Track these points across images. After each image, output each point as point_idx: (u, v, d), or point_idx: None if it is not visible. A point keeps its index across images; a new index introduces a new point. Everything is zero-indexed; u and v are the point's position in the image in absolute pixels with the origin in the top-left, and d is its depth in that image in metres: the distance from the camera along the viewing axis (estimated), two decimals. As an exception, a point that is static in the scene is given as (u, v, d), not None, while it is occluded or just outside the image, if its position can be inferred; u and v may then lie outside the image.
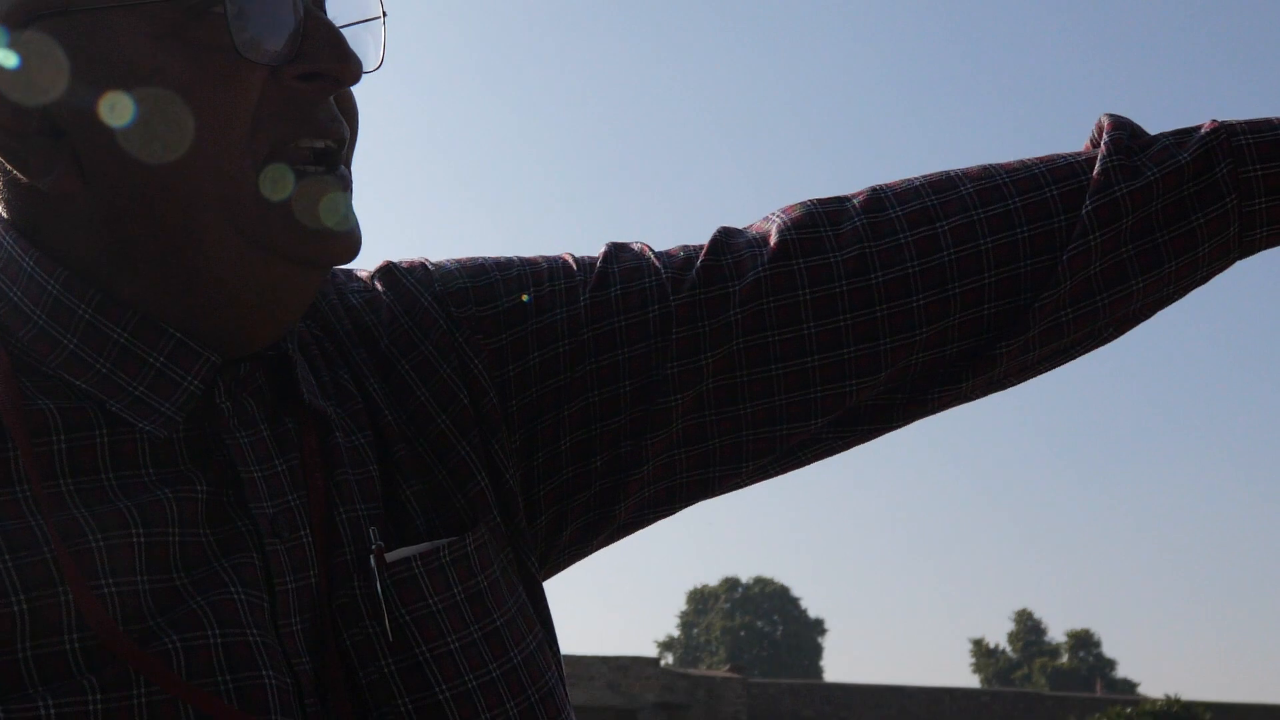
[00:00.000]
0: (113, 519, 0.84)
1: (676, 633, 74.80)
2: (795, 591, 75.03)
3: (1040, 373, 1.11)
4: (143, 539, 0.84)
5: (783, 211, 1.08)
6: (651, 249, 1.08)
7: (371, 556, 0.91)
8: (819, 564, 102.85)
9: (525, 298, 1.02)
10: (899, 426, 1.10)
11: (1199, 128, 1.06)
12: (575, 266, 1.07)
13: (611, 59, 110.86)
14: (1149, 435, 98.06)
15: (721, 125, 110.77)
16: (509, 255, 1.08)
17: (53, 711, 0.78)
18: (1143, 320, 1.09)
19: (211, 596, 0.85)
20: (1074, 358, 1.10)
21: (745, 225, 1.09)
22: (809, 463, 1.12)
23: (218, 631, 0.84)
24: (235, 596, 0.85)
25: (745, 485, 1.11)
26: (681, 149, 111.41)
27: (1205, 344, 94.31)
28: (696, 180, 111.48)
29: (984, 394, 1.10)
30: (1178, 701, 28.30)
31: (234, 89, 0.84)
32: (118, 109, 0.85)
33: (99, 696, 0.80)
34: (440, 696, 0.90)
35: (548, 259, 1.08)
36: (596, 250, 1.09)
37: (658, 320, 1.03)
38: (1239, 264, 1.07)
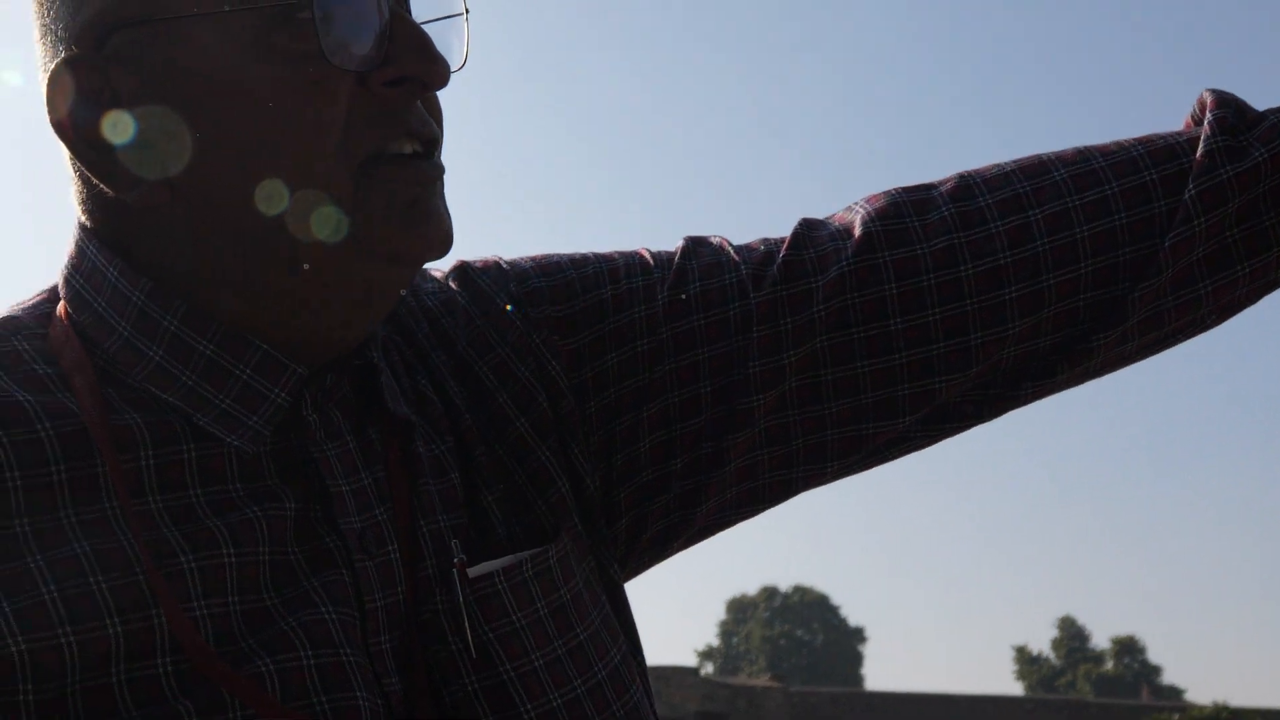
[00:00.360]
0: (204, 539, 0.82)
1: (716, 642, 74.63)
2: (835, 600, 74.73)
3: (1138, 360, 1.07)
4: (234, 559, 0.83)
5: (866, 201, 1.05)
6: (731, 243, 1.06)
7: (454, 571, 0.89)
8: (858, 572, 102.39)
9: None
10: (989, 420, 1.07)
11: None
12: (652, 262, 1.04)
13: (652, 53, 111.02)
14: (1193, 437, 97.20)
15: (771, 122, 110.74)
16: (584, 252, 1.06)
17: None
18: (1247, 306, 1.06)
19: (303, 616, 0.83)
20: (1174, 345, 1.07)
21: (827, 216, 1.06)
22: (895, 459, 1.09)
23: (310, 653, 0.82)
24: (326, 616, 0.84)
25: (829, 482, 1.08)
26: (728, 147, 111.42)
27: (1248, 342, 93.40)
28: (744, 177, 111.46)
29: (1078, 384, 1.07)
30: (1226, 708, 28.00)
31: (323, 98, 0.82)
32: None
33: None
34: (525, 716, 0.88)
35: (624, 254, 1.05)
36: (673, 245, 1.06)
37: (738, 318, 1.01)
38: None
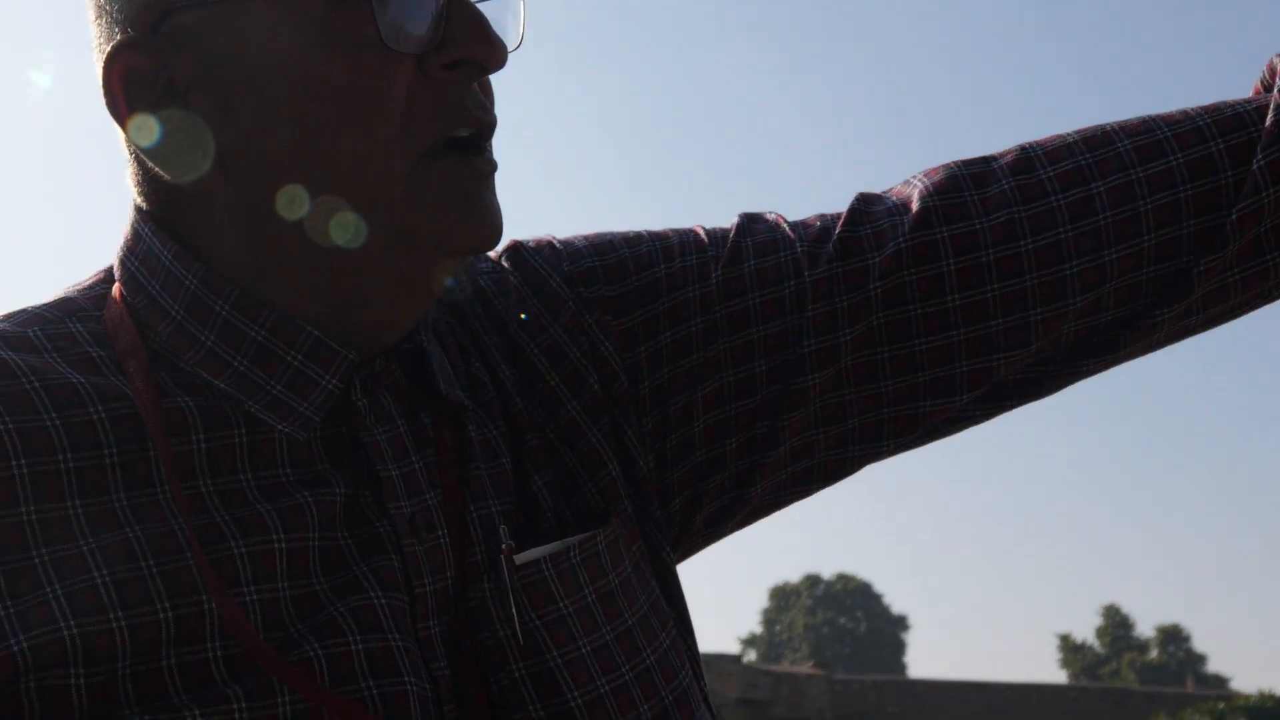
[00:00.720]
0: (254, 524, 0.82)
1: (759, 629, 74.67)
2: (878, 588, 74.71)
3: (1203, 331, 1.05)
4: (284, 545, 0.82)
5: (925, 175, 1.03)
6: (786, 220, 1.04)
7: (502, 558, 0.89)
8: (902, 560, 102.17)
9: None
10: (1048, 396, 1.05)
11: None
12: (707, 240, 1.03)
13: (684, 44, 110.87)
14: (1238, 423, 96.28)
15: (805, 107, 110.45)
16: (638, 230, 1.04)
17: None
18: None
19: (352, 603, 0.83)
20: (1240, 316, 1.05)
21: (885, 190, 1.04)
22: (952, 434, 1.07)
23: (359, 638, 0.82)
24: (375, 601, 0.83)
25: (885, 459, 1.07)
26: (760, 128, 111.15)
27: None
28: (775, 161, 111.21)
29: (1140, 356, 1.04)
30: (1272, 696, 27.77)
31: (381, 82, 0.81)
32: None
33: (243, 705, 0.78)
34: (572, 703, 0.87)
35: (678, 232, 1.04)
36: (728, 222, 1.05)
37: (794, 296, 0.99)
38: None
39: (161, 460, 0.82)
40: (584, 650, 0.88)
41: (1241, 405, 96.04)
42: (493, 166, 0.86)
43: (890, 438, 1.03)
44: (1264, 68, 1.03)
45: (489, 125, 0.86)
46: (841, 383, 1.00)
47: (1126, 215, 0.97)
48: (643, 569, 0.96)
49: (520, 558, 0.89)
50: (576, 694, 0.87)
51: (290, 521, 0.83)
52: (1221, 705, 28.15)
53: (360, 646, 0.82)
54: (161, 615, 0.78)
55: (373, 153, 0.81)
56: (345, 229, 0.83)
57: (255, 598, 0.81)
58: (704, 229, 1.04)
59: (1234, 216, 0.97)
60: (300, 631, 0.82)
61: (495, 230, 0.85)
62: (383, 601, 0.84)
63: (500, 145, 0.88)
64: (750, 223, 1.04)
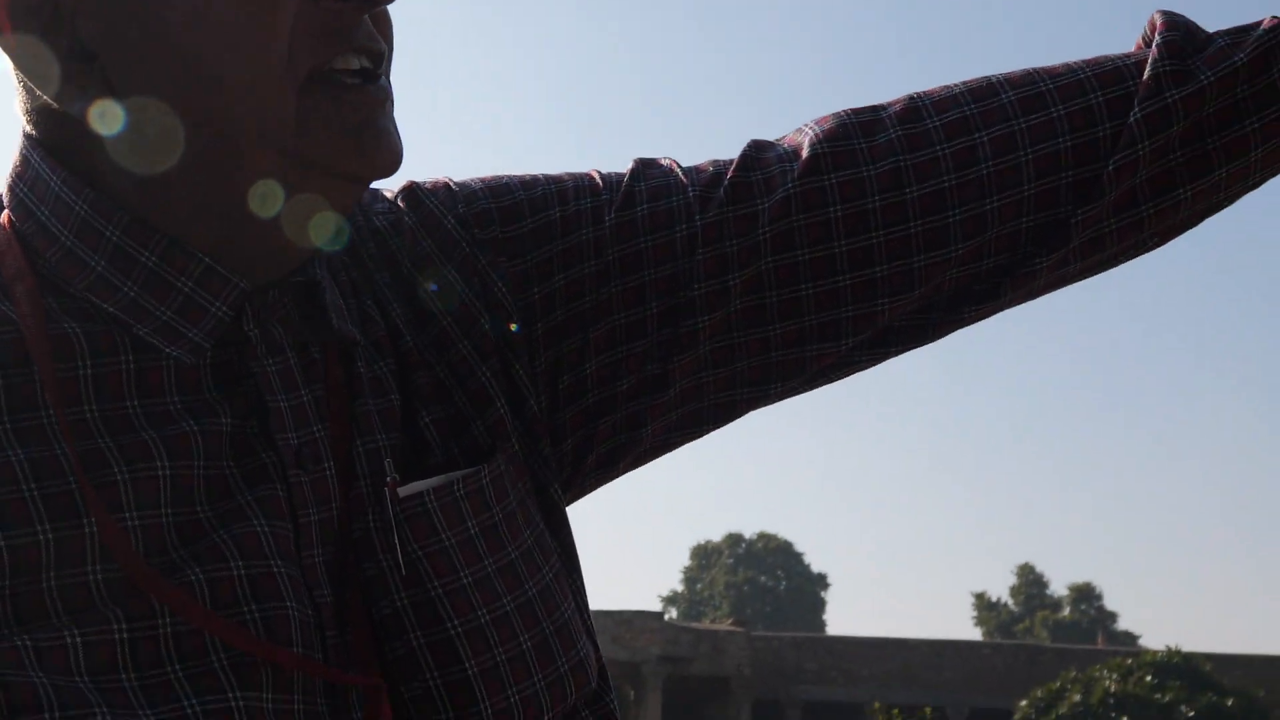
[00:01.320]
0: (138, 450, 0.83)
1: (680, 588, 75.19)
2: (798, 547, 75.31)
3: (1080, 280, 1.08)
4: (168, 472, 0.83)
5: (816, 123, 1.05)
6: (680, 165, 1.06)
7: (386, 490, 0.90)
8: (822, 520, 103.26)
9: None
10: (933, 342, 1.08)
11: (1258, 24, 1.02)
12: (601, 184, 1.04)
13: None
14: (1153, 384, 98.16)
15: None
16: (534, 174, 1.05)
17: (79, 641, 0.78)
18: (1189, 229, 1.06)
19: (235, 530, 0.84)
20: (1115, 266, 1.08)
21: (778, 138, 1.06)
22: (838, 380, 1.10)
23: (241, 564, 0.83)
24: (259, 529, 0.84)
25: (772, 404, 1.09)
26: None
27: (1209, 288, 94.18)
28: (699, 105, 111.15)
29: (1020, 303, 1.07)
30: (1178, 653, 28.39)
31: (267, 11, 0.81)
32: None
33: (124, 627, 0.79)
34: (452, 631, 0.88)
35: (574, 176, 1.05)
36: (625, 167, 1.06)
37: (684, 240, 1.01)
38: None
39: (45, 385, 0.82)
40: (465, 581, 0.90)
41: (1152, 368, 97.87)
42: (385, 94, 0.87)
43: (777, 381, 1.05)
44: (1146, 24, 1.05)
45: (378, 54, 0.86)
46: (730, 326, 1.02)
47: (1008, 165, 1.00)
48: (528, 505, 0.97)
49: (404, 490, 0.90)
50: (457, 623, 0.89)
51: (176, 449, 0.84)
52: (1130, 661, 28.70)
53: (243, 572, 0.83)
54: (42, 537, 0.78)
55: (258, 82, 0.82)
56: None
57: (137, 523, 0.81)
58: (599, 173, 1.06)
59: (1110, 168, 0.99)
60: (183, 557, 0.82)
61: (394, 156, 0.86)
62: (266, 530, 0.85)
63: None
64: (644, 168, 1.05)
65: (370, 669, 0.87)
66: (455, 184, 1.04)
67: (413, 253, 1.00)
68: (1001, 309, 1.06)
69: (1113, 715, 27.31)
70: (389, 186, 1.04)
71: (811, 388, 1.09)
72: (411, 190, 1.03)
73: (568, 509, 1.03)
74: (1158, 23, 1.04)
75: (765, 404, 1.08)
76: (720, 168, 1.04)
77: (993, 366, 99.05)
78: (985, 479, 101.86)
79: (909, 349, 1.08)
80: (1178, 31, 1.02)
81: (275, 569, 0.84)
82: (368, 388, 0.93)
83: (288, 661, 0.82)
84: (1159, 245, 1.07)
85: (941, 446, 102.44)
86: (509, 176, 1.05)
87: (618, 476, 1.09)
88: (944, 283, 1.02)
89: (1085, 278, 1.08)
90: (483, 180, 1.04)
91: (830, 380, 1.09)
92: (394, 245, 1.00)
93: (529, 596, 0.92)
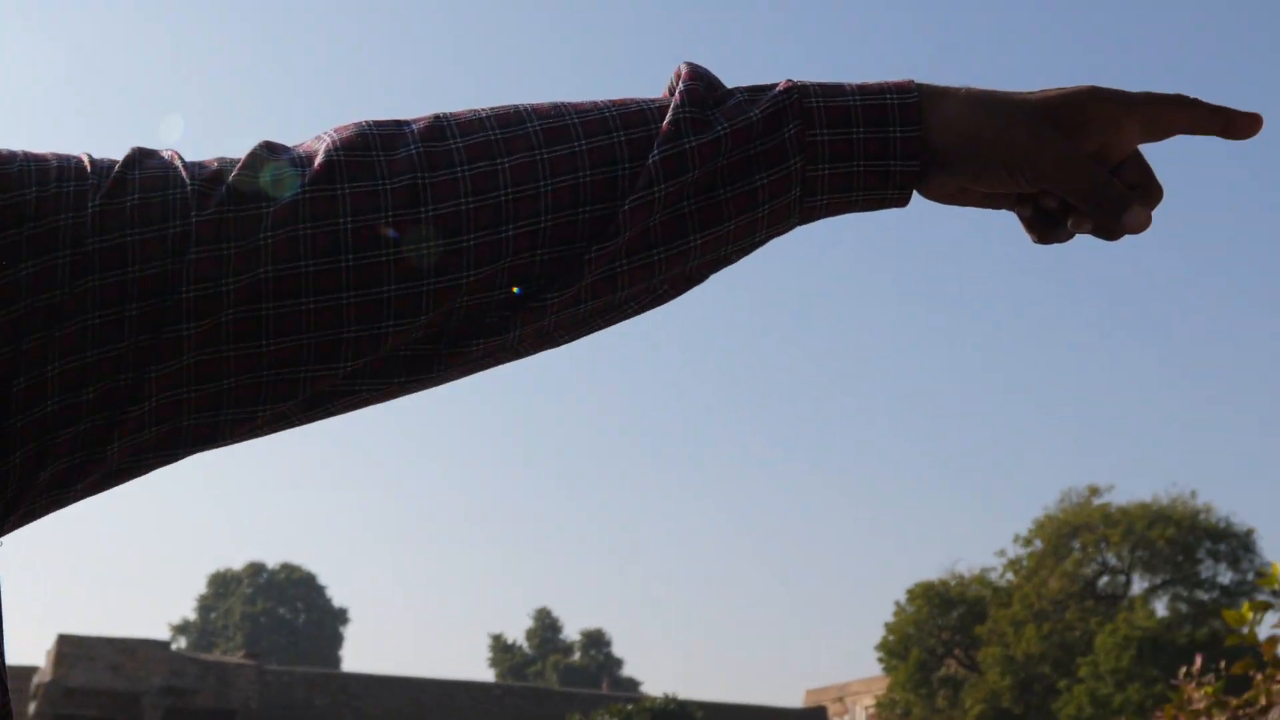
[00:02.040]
0: None
1: (193, 616, 72.05)
2: (322, 579, 73.94)
3: (596, 328, 1.07)
4: None
5: (335, 130, 0.99)
6: (183, 158, 0.97)
7: None
8: (349, 553, 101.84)
9: None
10: (440, 380, 1.03)
11: (775, 85, 1.04)
12: (90, 168, 0.94)
13: None
14: (672, 446, 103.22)
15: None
16: (13, 149, 0.93)
17: None
18: (699, 281, 1.07)
19: None
20: (630, 315, 1.07)
21: (295, 144, 0.99)
22: (338, 413, 1.03)
23: None
24: None
25: (261, 434, 1.01)
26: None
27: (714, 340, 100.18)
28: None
29: (535, 349, 1.05)
30: (674, 700, 29.91)
31: None
32: None
33: None
34: None
35: (60, 157, 0.95)
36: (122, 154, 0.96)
37: (177, 238, 0.92)
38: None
39: None
40: None
41: (659, 419, 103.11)
42: None
43: (266, 403, 0.97)
44: (673, 73, 1.06)
45: None
46: (220, 338, 0.93)
47: (528, 194, 0.98)
48: None
49: None
50: None
51: None
52: (630, 706, 29.95)
53: None
54: None
55: None
56: None
57: None
58: (90, 157, 0.95)
59: (626, 207, 0.99)
60: None
61: None
62: None
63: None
64: (142, 156, 0.96)
65: None
66: None
67: None
68: (516, 350, 1.03)
69: (611, 758, 28.32)
70: None
71: (308, 418, 1.02)
72: None
73: (9, 535, 0.91)
74: (683, 72, 1.05)
75: (254, 431, 1.00)
76: (226, 165, 0.96)
77: (523, 411, 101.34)
78: (512, 521, 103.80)
79: (418, 384, 1.02)
80: (700, 82, 1.04)
81: None
82: None
83: None
84: (672, 295, 1.07)
85: (472, 487, 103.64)
86: None
87: (77, 500, 0.98)
88: (455, 311, 0.98)
89: (601, 325, 1.06)
90: None
91: (330, 412, 1.02)
92: None
93: None
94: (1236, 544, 38.07)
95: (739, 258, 1.07)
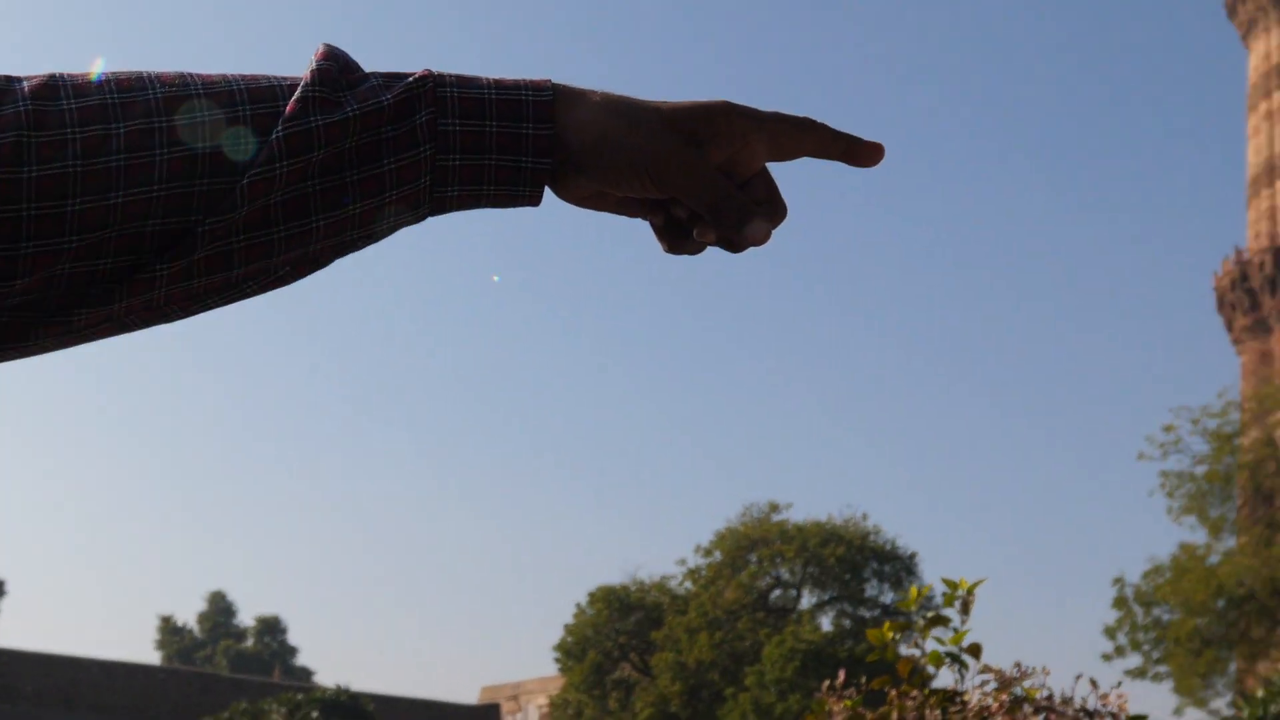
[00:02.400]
0: None
1: None
2: (-23, 548, 69.56)
3: (211, 306, 1.04)
4: None
5: None
6: None
7: None
8: (5, 521, 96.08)
9: None
10: (38, 349, 0.98)
11: (411, 73, 1.03)
12: None
13: None
14: (355, 432, 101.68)
15: None
16: None
17: None
18: (322, 265, 1.05)
19: None
20: (249, 294, 1.04)
21: None
22: None
23: None
24: None
25: None
26: None
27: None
28: None
29: (146, 323, 1.01)
30: (346, 691, 29.42)
31: None
32: None
33: None
34: None
35: None
36: None
37: None
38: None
39: None
40: None
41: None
42: None
43: None
44: (313, 53, 1.05)
45: None
46: None
47: (143, 161, 0.95)
48: None
49: None
50: None
51: None
52: (300, 696, 29.29)
53: None
54: None
55: None
56: None
57: None
58: None
59: (245, 182, 0.97)
60: None
61: None
62: None
63: None
64: None
65: None
66: None
67: None
68: (122, 323, 1.00)
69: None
70: None
71: None
72: None
73: None
74: (319, 51, 1.04)
75: None
76: None
77: (215, 384, 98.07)
78: (189, 501, 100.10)
79: (15, 352, 0.98)
80: (334, 63, 1.02)
81: None
82: None
83: None
84: (294, 278, 1.05)
85: (148, 461, 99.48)
86: None
87: None
88: (56, 278, 0.94)
89: (217, 303, 1.03)
90: None
91: None
92: None
93: None
94: (900, 566, 40.14)
95: (365, 244, 1.05)
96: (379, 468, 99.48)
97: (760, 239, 1.06)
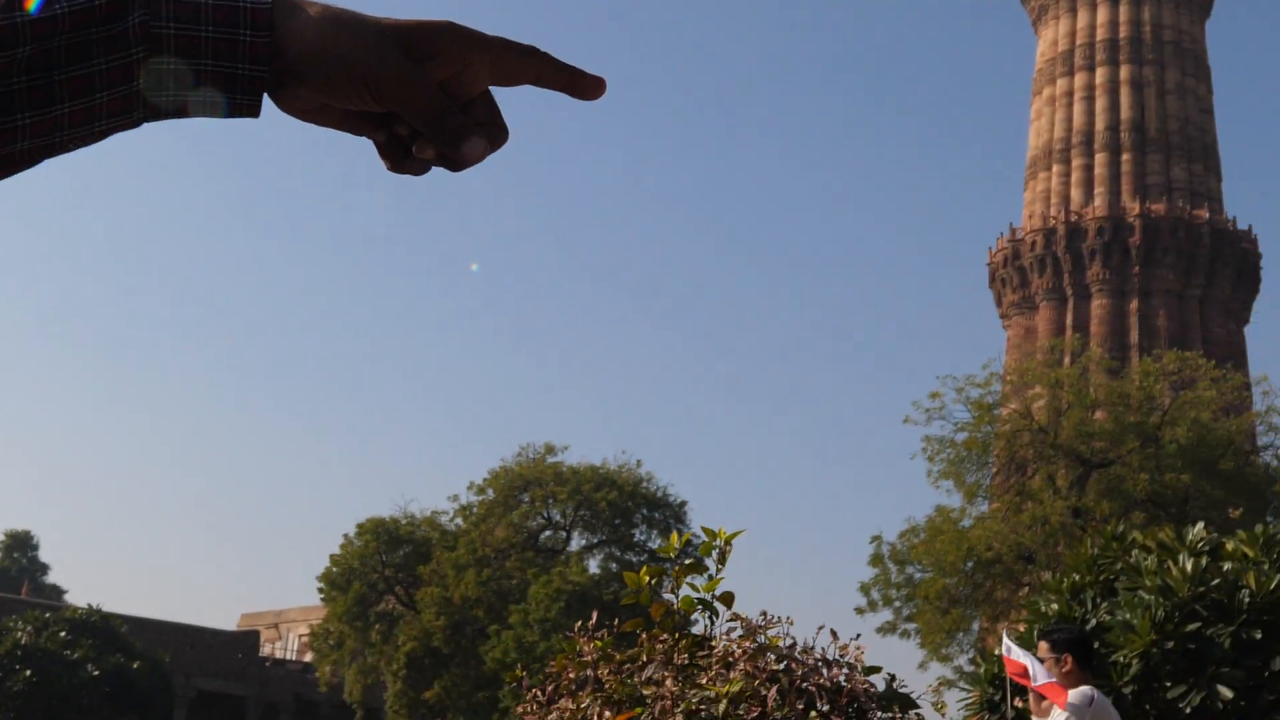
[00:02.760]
0: None
1: None
2: None
3: None
4: None
5: None
6: None
7: None
8: None
9: None
10: None
11: None
12: None
13: None
14: (138, 352, 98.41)
15: None
16: None
17: None
18: (30, 165, 1.01)
19: None
20: None
21: None
22: None
23: None
24: None
25: None
26: None
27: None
28: None
29: None
30: (98, 612, 28.64)
31: None
32: None
33: None
34: None
35: None
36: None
37: None
38: None
39: None
40: None
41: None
42: None
43: None
44: None
45: None
46: None
47: None
48: None
49: None
50: None
51: None
52: (49, 615, 28.49)
53: None
54: None
55: None
56: None
57: None
58: None
59: None
60: None
61: None
62: None
63: None
64: None
65: None
66: None
67: None
68: None
69: (18, 667, 26.82)
70: None
71: None
72: None
73: None
74: None
75: None
76: None
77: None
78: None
79: None
80: None
81: None
82: None
83: None
84: (3, 175, 1.00)
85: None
86: None
87: None
88: None
89: None
90: None
91: None
92: None
93: None
94: (670, 513, 40.87)
95: (77, 146, 1.01)
96: (144, 387, 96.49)
97: (477, 157, 1.06)
